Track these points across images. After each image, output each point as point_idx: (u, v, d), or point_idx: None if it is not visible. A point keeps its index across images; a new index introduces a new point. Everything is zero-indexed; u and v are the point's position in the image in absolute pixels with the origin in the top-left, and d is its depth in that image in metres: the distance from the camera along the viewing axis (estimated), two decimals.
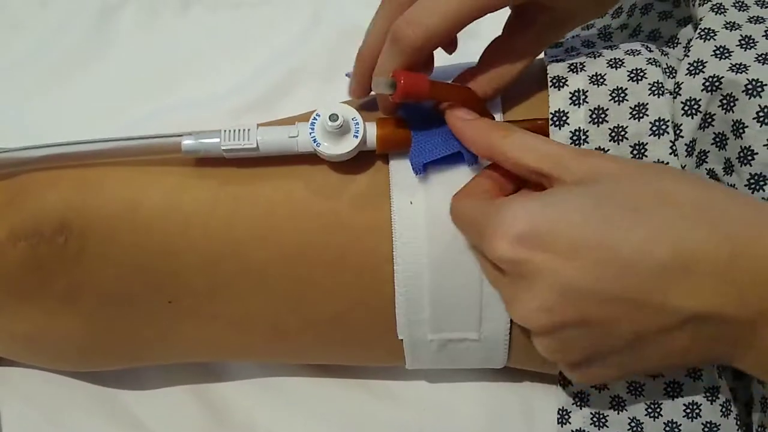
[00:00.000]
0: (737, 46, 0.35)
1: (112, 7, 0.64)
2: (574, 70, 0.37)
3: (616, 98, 0.35)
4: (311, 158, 0.39)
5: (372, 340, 0.41)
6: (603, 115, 0.36)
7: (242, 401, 0.49)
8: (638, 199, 0.28)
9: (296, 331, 0.41)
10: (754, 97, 0.33)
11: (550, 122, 0.36)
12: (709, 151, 0.36)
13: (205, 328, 0.41)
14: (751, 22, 0.36)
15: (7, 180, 0.40)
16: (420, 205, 0.37)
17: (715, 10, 0.37)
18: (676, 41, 0.41)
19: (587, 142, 0.36)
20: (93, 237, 0.38)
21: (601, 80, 0.36)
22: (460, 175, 0.37)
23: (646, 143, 0.35)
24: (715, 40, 0.36)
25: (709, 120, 0.35)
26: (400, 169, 0.38)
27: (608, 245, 0.27)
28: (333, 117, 0.36)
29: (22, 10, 0.64)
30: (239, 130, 0.37)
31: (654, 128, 0.35)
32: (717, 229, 0.27)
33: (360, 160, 0.38)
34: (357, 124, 0.37)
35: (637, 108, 0.35)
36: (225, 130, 0.37)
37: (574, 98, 0.36)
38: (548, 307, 0.28)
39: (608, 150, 0.36)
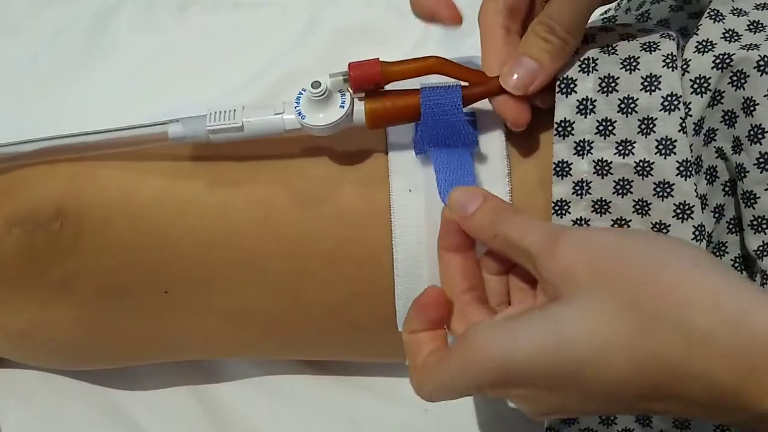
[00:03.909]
0: (746, 30, 0.35)
1: (109, 9, 0.64)
2: (584, 41, 0.36)
3: (627, 66, 0.34)
4: (309, 150, 0.38)
5: (372, 334, 0.40)
6: (613, 84, 0.35)
7: (241, 401, 0.48)
8: (605, 330, 0.26)
9: (294, 325, 0.40)
10: (766, 73, 0.33)
11: (557, 88, 0.35)
12: (717, 129, 0.35)
13: (202, 321, 0.40)
14: (757, 8, 0.36)
15: (3, 174, 0.40)
16: (419, 193, 0.37)
17: None
18: (685, 32, 0.40)
19: (594, 113, 0.35)
20: (89, 224, 0.38)
21: (612, 50, 0.35)
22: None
23: (656, 118, 0.34)
24: (723, 23, 0.35)
25: (718, 97, 0.34)
26: (399, 158, 0.37)
27: (583, 389, 0.26)
28: (315, 84, 0.35)
29: (19, 13, 0.64)
30: (225, 112, 0.36)
31: (666, 103, 0.34)
32: (678, 337, 0.25)
33: (358, 149, 0.38)
34: (343, 95, 0.36)
35: (648, 79, 0.34)
36: (211, 113, 0.37)
37: (583, 66, 0.35)
38: (539, 414, 0.29)
39: (615, 122, 0.35)
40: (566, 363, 0.26)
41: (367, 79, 0.35)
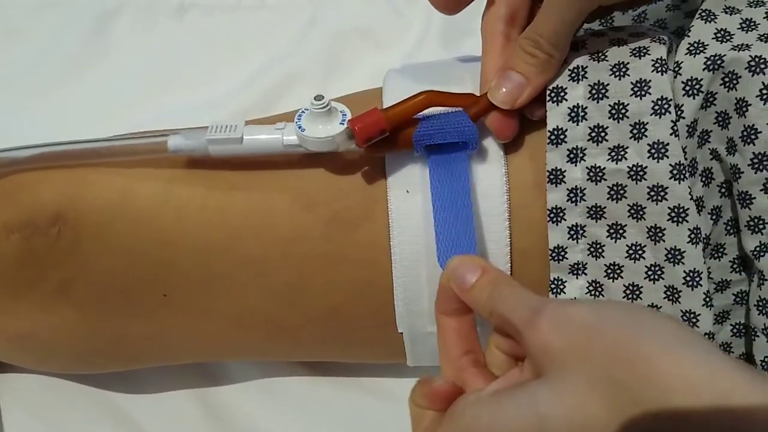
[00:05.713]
0: (738, 29, 0.35)
1: (109, 13, 0.65)
2: (575, 48, 0.36)
3: (617, 72, 0.35)
4: (307, 154, 0.38)
5: (372, 335, 0.40)
6: (603, 91, 0.35)
7: (243, 404, 0.48)
8: (584, 412, 0.25)
9: (294, 327, 0.40)
10: (758, 74, 0.33)
11: (548, 98, 0.36)
12: (711, 131, 0.35)
13: (201, 324, 0.40)
14: (750, 6, 0.36)
15: (0, 179, 0.39)
16: (417, 194, 0.37)
17: None
18: (682, 32, 0.40)
19: (586, 119, 0.35)
20: (87, 228, 0.38)
21: (602, 57, 0.35)
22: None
23: (647, 122, 0.34)
24: (715, 22, 0.35)
25: (711, 99, 0.34)
26: (396, 159, 0.37)
27: None
28: (318, 97, 0.35)
29: (19, 16, 0.65)
30: (226, 126, 0.37)
31: (656, 107, 0.34)
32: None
33: (356, 153, 0.38)
34: (344, 114, 0.36)
35: (638, 84, 0.34)
36: (213, 125, 0.37)
37: (573, 74, 0.36)
38: None
39: (607, 128, 0.35)
40: None
41: (373, 129, 0.35)
